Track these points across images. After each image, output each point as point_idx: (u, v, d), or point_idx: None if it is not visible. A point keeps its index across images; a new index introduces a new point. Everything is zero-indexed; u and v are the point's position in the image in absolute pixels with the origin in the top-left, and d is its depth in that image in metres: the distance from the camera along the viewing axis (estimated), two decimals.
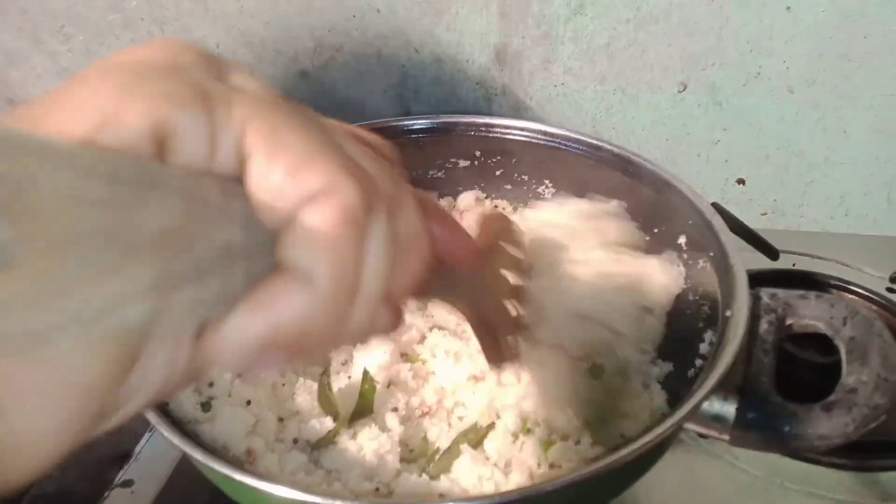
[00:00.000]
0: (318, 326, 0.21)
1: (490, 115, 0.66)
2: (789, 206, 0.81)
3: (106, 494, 0.54)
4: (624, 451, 0.33)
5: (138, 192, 0.18)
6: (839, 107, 0.74)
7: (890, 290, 0.65)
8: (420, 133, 0.60)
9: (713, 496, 0.50)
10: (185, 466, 0.54)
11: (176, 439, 0.37)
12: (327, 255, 0.21)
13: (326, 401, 0.45)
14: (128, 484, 0.54)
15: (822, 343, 0.44)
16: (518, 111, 0.78)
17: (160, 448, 0.56)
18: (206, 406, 0.43)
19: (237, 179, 0.20)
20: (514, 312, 0.40)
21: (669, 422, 0.35)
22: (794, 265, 0.69)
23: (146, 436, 0.57)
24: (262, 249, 0.21)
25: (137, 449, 0.57)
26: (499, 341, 0.37)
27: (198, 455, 0.36)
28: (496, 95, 0.78)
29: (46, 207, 0.15)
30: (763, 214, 0.82)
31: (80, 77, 0.20)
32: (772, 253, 0.62)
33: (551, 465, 0.40)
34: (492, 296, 0.37)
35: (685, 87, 0.75)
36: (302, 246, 0.21)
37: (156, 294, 0.18)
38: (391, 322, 0.25)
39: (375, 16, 0.75)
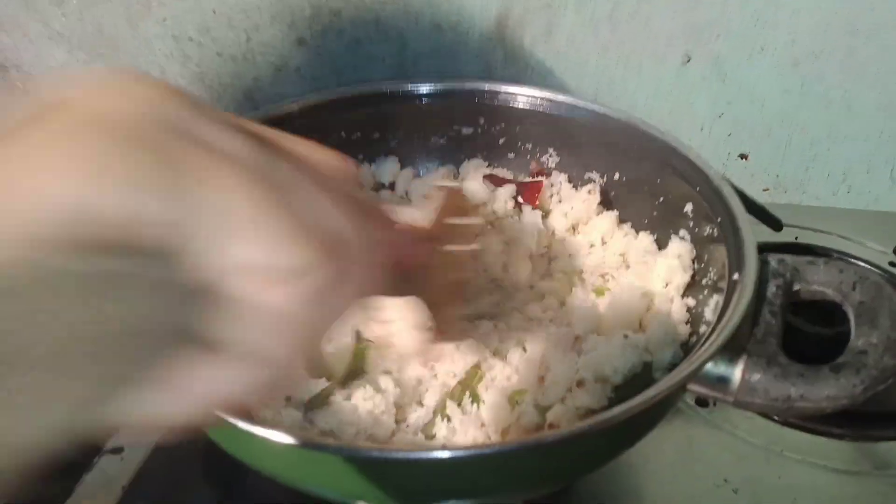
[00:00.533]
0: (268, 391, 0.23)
1: (530, 81, 0.64)
2: (791, 181, 0.80)
3: (95, 460, 0.53)
4: (625, 407, 0.32)
5: (105, 291, 0.18)
6: (843, 81, 0.73)
7: (892, 263, 0.65)
8: (423, 98, 0.59)
9: (712, 465, 0.50)
10: (171, 432, 0.54)
11: None
12: (281, 340, 0.21)
13: (317, 364, 0.44)
14: (117, 451, 0.54)
15: (827, 312, 0.43)
16: (519, 81, 0.77)
17: None
18: None
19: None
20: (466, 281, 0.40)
21: (673, 380, 0.34)
22: (796, 238, 0.68)
23: None
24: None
25: None
26: (446, 317, 0.37)
27: None
28: (497, 65, 0.77)
29: None
30: (765, 190, 0.81)
31: (51, 129, 0.19)
32: (775, 224, 0.62)
33: (550, 426, 0.39)
34: (441, 275, 0.37)
35: (689, 59, 0.74)
36: (253, 329, 0.21)
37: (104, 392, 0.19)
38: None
39: None
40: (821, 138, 0.77)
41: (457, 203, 0.40)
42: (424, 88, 0.59)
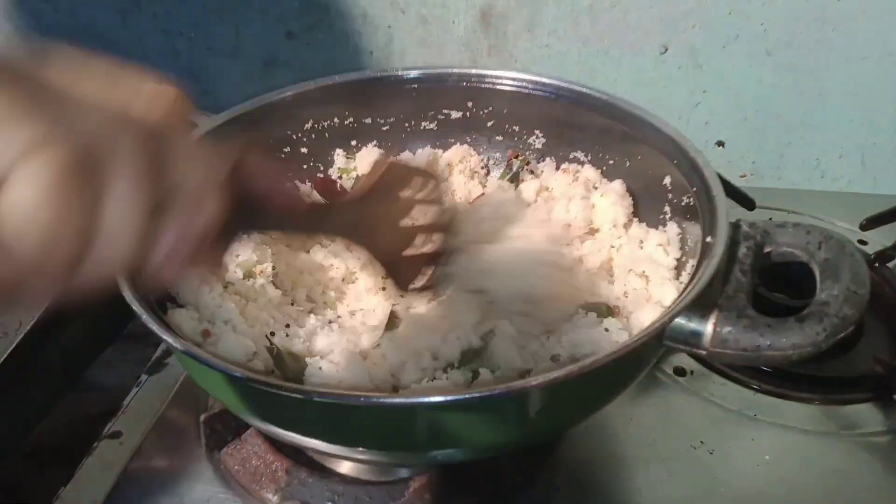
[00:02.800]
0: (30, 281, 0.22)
1: (497, 67, 0.66)
2: (767, 168, 0.83)
3: (95, 445, 0.55)
4: (601, 355, 0.34)
5: None
6: (815, 69, 0.76)
7: (861, 241, 0.67)
8: (412, 83, 0.60)
9: (689, 429, 0.52)
10: (168, 416, 0.56)
11: (153, 325, 0.37)
12: (35, 224, 0.21)
13: (284, 365, 0.46)
14: (116, 435, 0.55)
15: (796, 281, 0.45)
16: None
17: (147, 401, 0.57)
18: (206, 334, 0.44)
19: None
20: (424, 247, 0.42)
21: (646, 331, 0.36)
22: (770, 219, 0.70)
23: (133, 391, 0.59)
24: None
25: (126, 402, 0.58)
26: (401, 270, 0.40)
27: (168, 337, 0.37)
28: (482, 57, 0.79)
29: None
30: (742, 176, 0.84)
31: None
32: (748, 203, 0.64)
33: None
34: (392, 232, 0.40)
35: (666, 50, 0.77)
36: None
37: None
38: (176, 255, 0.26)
39: None
40: (794, 125, 0.80)
41: (403, 175, 0.42)
42: (413, 73, 0.61)
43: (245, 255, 0.49)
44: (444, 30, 0.78)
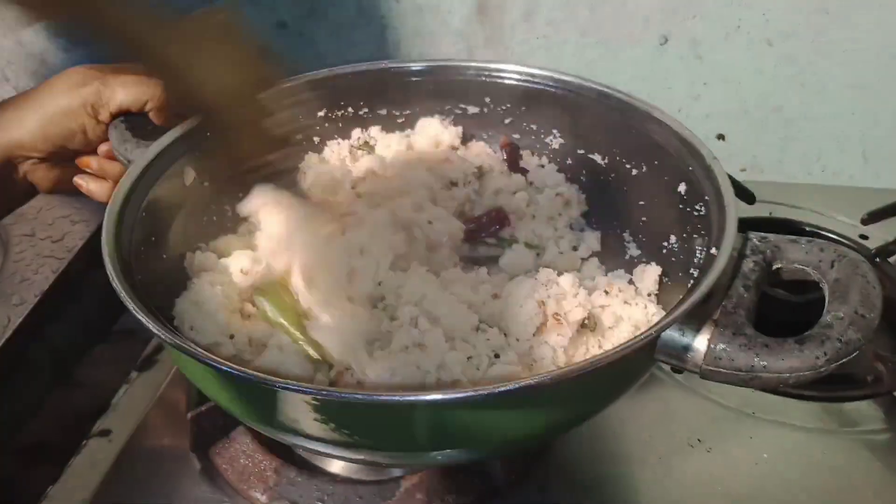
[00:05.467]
0: None
1: (505, 60, 0.64)
2: (768, 161, 0.82)
3: (84, 443, 0.54)
4: (577, 365, 0.33)
5: None
6: (815, 61, 0.75)
7: (862, 236, 0.66)
8: (427, 76, 0.58)
9: (687, 427, 0.51)
10: (156, 414, 0.55)
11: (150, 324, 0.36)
12: None
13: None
14: (105, 433, 0.55)
15: (812, 290, 0.43)
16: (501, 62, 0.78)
17: (136, 399, 0.57)
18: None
19: None
20: None
21: (631, 342, 0.35)
22: (770, 213, 0.70)
23: (123, 388, 0.58)
24: None
25: (115, 400, 0.57)
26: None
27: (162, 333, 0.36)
28: (478, 48, 0.78)
29: None
30: (742, 170, 0.83)
31: None
32: (748, 197, 0.63)
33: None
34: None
35: (666, 40, 0.76)
36: None
37: None
38: None
39: None
40: (795, 118, 0.79)
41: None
42: (429, 66, 0.59)
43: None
44: (440, 20, 0.77)
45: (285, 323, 0.43)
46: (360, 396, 0.34)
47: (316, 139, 0.61)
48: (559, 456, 0.49)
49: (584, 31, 0.76)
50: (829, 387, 0.53)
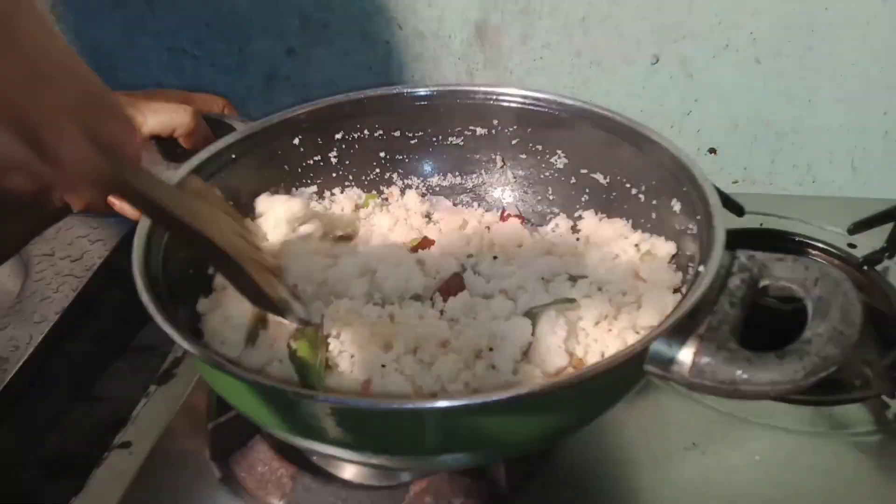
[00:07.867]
0: None
1: (511, 84, 0.67)
2: (759, 174, 0.85)
3: (106, 455, 0.56)
4: (571, 376, 0.35)
5: None
6: (804, 77, 0.77)
7: (851, 245, 0.69)
8: (437, 100, 0.61)
9: (682, 431, 0.53)
10: (176, 425, 0.57)
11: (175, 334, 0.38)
12: None
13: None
14: (126, 445, 0.56)
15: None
16: (499, 85, 0.81)
17: (156, 411, 0.59)
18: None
19: None
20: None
21: (618, 355, 0.37)
22: (761, 225, 0.72)
23: (142, 401, 0.60)
24: None
25: (134, 413, 0.59)
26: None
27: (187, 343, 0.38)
28: (478, 70, 0.81)
29: None
30: (734, 183, 0.85)
31: None
32: (737, 210, 0.66)
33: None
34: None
35: (658, 60, 0.79)
36: None
37: None
38: None
39: None
40: (785, 132, 0.81)
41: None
42: (438, 90, 0.61)
43: None
44: (441, 44, 0.80)
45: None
46: (363, 404, 0.37)
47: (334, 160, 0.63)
48: (561, 460, 0.51)
49: (578, 53, 0.79)
50: (819, 391, 0.55)
